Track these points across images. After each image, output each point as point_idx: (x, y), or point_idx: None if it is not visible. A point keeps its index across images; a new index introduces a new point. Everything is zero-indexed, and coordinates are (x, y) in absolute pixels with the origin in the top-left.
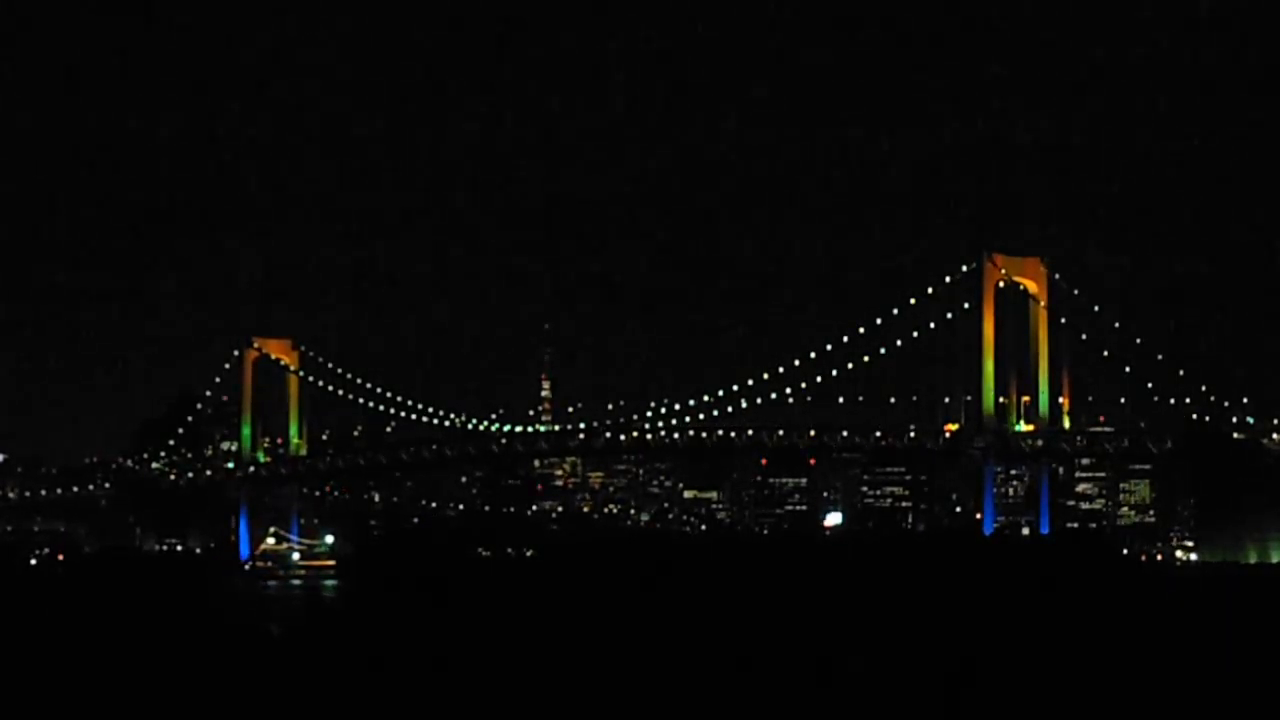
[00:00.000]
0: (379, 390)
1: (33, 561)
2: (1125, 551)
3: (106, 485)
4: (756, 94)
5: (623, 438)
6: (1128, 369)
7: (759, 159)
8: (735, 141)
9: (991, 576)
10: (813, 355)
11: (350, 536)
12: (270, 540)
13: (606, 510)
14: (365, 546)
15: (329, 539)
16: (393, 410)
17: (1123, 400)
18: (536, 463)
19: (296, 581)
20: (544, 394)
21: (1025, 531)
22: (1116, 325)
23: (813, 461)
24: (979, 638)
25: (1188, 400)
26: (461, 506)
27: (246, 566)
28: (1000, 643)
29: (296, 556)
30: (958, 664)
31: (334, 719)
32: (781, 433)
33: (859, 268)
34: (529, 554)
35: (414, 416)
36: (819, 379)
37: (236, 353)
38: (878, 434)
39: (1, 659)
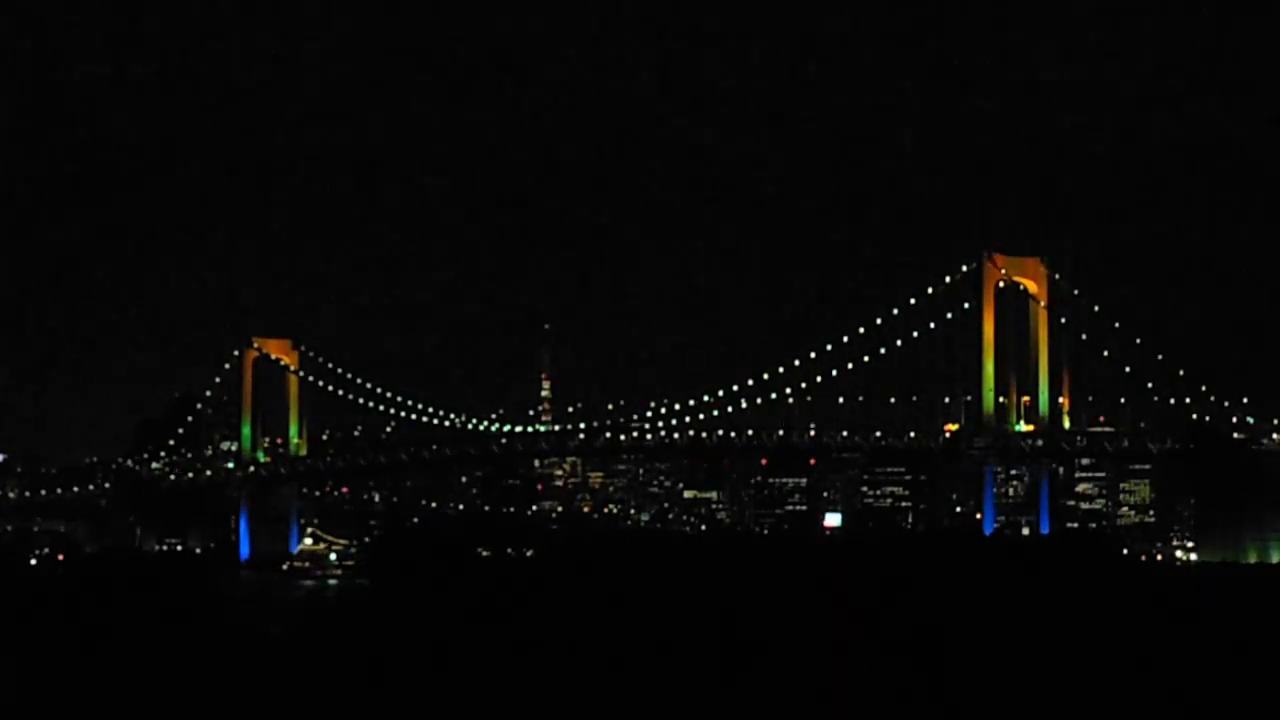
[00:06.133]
0: (379, 390)
1: (33, 561)
2: (1125, 551)
3: (106, 485)
4: (755, 95)
5: (623, 438)
6: (1128, 369)
7: (759, 160)
8: (735, 142)
9: (991, 576)
10: (813, 355)
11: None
12: (308, 540)
13: (606, 510)
14: (366, 546)
15: (366, 539)
16: (393, 410)
17: (1123, 400)
18: (536, 463)
19: (333, 581)
20: (544, 394)
21: (1025, 531)
22: (1116, 325)
23: (813, 461)
24: (979, 638)
25: (1188, 400)
26: (461, 506)
27: (284, 566)
28: (1000, 642)
29: (334, 556)
30: (956, 664)
31: (334, 719)
32: (781, 433)
33: (859, 268)
34: (529, 554)
35: (414, 416)
36: (819, 379)
37: (236, 353)
38: (878, 434)
39: (2, 659)
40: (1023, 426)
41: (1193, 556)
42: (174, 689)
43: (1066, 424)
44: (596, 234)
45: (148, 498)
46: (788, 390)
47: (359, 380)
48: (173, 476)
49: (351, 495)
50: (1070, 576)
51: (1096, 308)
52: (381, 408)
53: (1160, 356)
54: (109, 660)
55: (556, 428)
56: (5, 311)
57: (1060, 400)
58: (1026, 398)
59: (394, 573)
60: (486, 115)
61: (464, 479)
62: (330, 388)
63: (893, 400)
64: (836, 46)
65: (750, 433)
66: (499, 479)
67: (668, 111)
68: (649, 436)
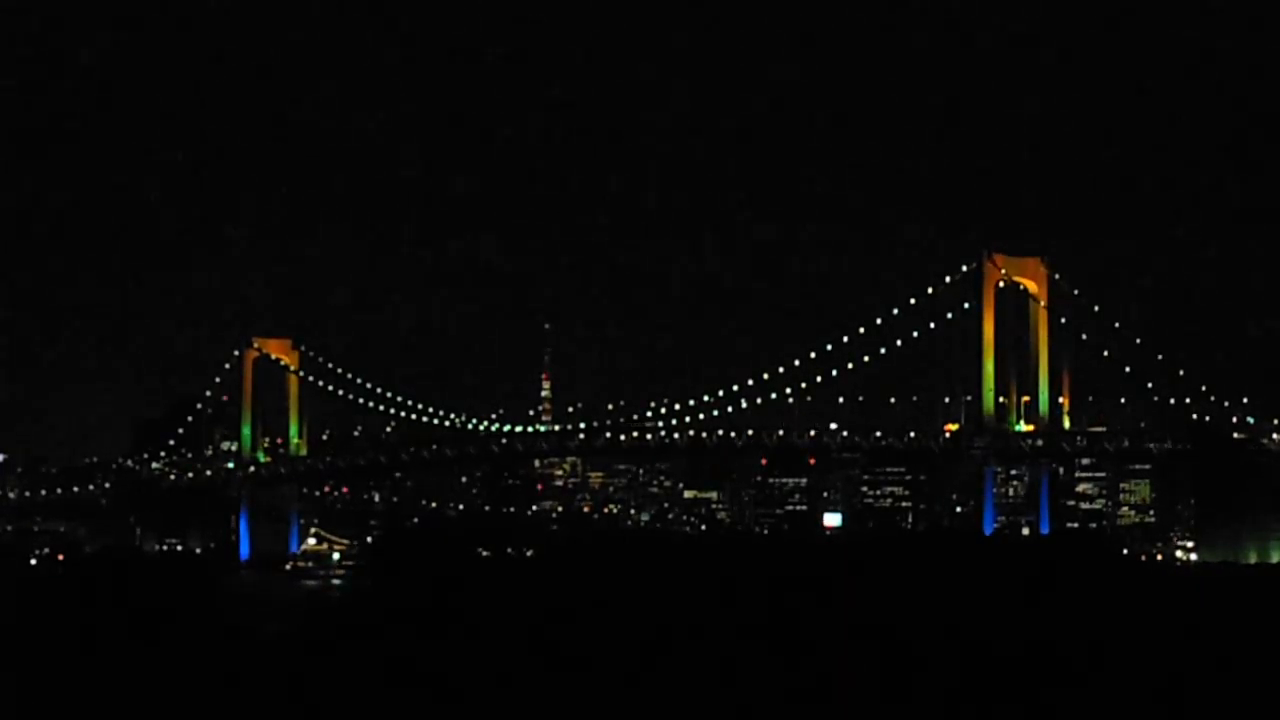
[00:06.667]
0: (379, 390)
1: (33, 561)
2: (1125, 551)
3: (106, 485)
4: (756, 95)
5: (623, 438)
6: (1128, 369)
7: (759, 159)
8: (735, 142)
9: (991, 576)
10: (813, 355)
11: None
12: (311, 540)
13: (606, 510)
14: (369, 547)
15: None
16: (393, 410)
17: (1123, 400)
18: (536, 463)
19: (336, 580)
20: (544, 394)
21: (1025, 531)
22: (1116, 325)
23: (813, 461)
24: (979, 637)
25: (1188, 400)
26: (461, 506)
27: (287, 566)
28: (1001, 642)
29: (337, 556)
30: (956, 665)
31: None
32: (781, 433)
33: (860, 267)
34: (529, 554)
35: (414, 416)
36: (819, 379)
37: (236, 353)
38: (878, 434)
39: (2, 659)
40: (1023, 426)
41: (1193, 556)
42: (174, 689)
43: (1066, 424)
44: (597, 234)
45: (148, 498)
46: (788, 390)
47: (359, 380)
48: (173, 476)
49: (351, 495)
50: (1070, 576)
51: (1096, 308)
52: (381, 408)
53: (1160, 356)
54: (109, 660)
55: (556, 428)
56: (5, 311)
57: (1060, 400)
58: (1026, 398)
59: (393, 573)
60: (487, 112)
61: (464, 479)
62: (330, 388)
63: (893, 400)
64: (838, 47)
65: (750, 433)
66: (499, 479)
67: (667, 110)
68: (649, 436)
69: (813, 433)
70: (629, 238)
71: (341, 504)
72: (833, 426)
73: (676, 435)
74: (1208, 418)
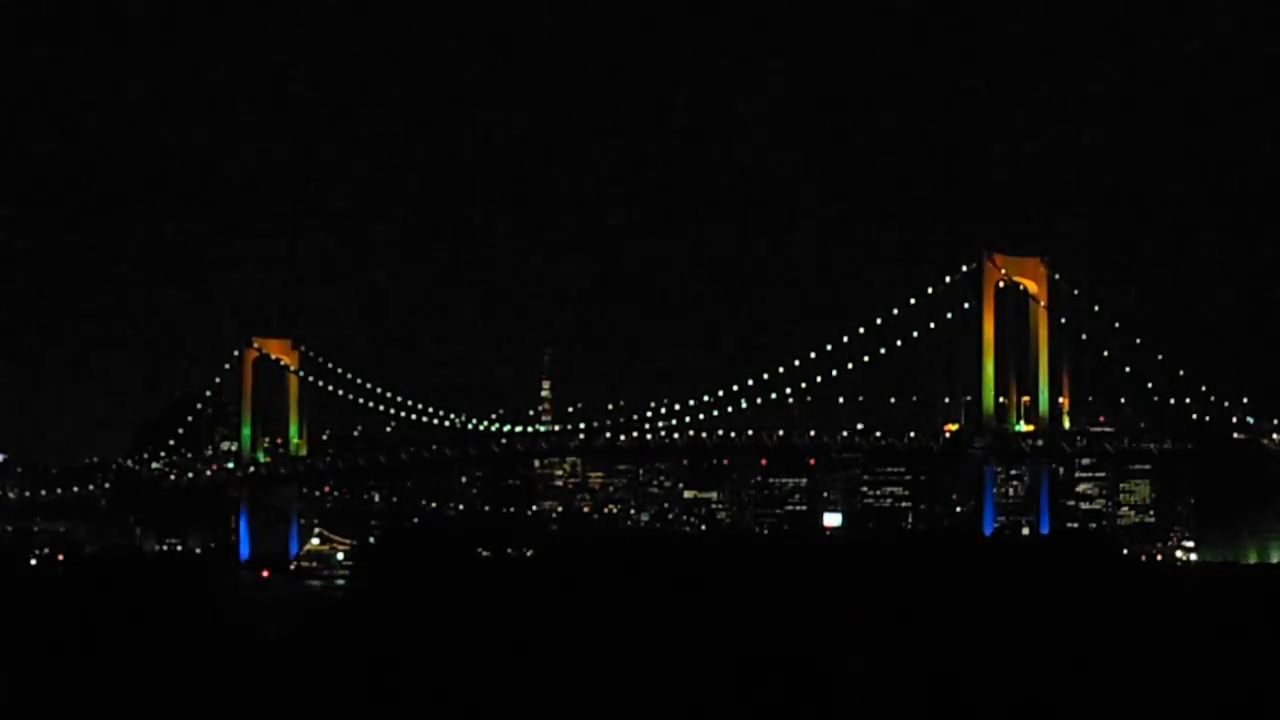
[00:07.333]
0: (379, 390)
1: (33, 561)
2: (1125, 551)
3: (106, 485)
4: (756, 95)
5: (623, 438)
6: (1128, 369)
7: (759, 159)
8: (735, 142)
9: (991, 576)
10: (813, 355)
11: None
12: (315, 540)
13: (606, 510)
14: (368, 547)
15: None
16: (393, 410)
17: (1123, 400)
18: (536, 463)
19: (340, 581)
20: (544, 394)
21: (1025, 531)
22: (1116, 325)
23: (813, 461)
24: (978, 638)
25: (1188, 400)
26: (461, 506)
27: (291, 566)
28: (1000, 643)
29: (340, 556)
30: (956, 665)
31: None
32: (781, 433)
33: (859, 268)
34: (529, 554)
35: (414, 416)
36: (819, 379)
37: (236, 353)
38: (878, 434)
39: (2, 659)
40: (1023, 426)
41: (1193, 556)
42: (173, 689)
43: (1066, 424)
44: (596, 234)
45: (148, 498)
46: (788, 390)
47: (359, 380)
48: (173, 476)
49: (351, 495)
50: (1070, 576)
51: (1096, 308)
52: (381, 408)
53: (1160, 356)
54: (109, 660)
55: (556, 428)
56: (6, 312)
57: (1060, 400)
58: (1026, 398)
59: (394, 573)
60: (488, 112)
61: (464, 479)
62: (330, 388)
63: (893, 400)
64: (837, 45)
65: (750, 433)
66: (499, 479)
67: (668, 111)
68: (649, 436)
69: (813, 433)
70: (629, 238)
71: (341, 504)
72: (829, 425)
73: (676, 435)
74: (1208, 418)
